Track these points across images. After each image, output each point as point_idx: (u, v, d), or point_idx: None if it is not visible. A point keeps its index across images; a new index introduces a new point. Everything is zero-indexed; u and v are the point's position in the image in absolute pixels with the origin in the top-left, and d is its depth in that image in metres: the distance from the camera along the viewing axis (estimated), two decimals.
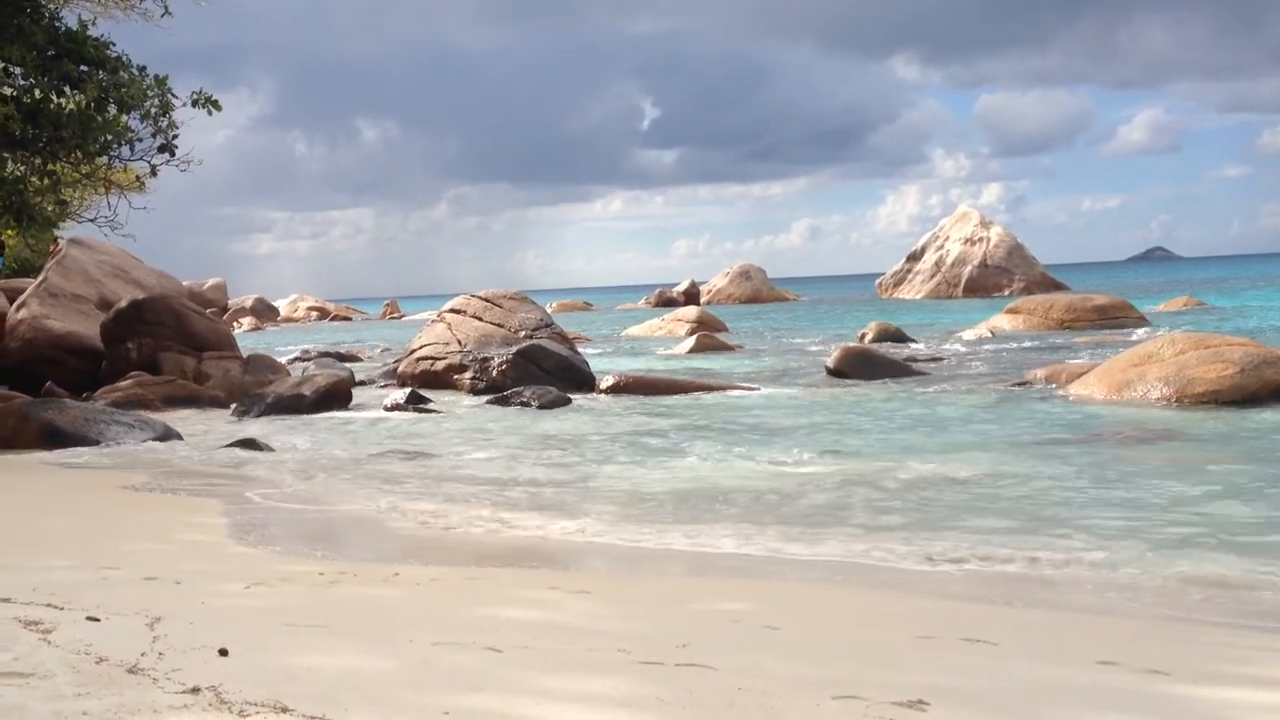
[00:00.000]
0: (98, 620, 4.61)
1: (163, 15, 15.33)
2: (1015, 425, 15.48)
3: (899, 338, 33.69)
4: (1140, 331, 32.46)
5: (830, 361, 24.43)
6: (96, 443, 14.46)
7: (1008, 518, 9.51)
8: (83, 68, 14.31)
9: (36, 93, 14.21)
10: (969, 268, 67.70)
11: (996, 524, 9.28)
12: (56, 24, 14.46)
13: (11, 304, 24.26)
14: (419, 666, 4.22)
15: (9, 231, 18.26)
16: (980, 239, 68.74)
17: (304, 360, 32.29)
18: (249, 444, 14.17)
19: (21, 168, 15.40)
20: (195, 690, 3.63)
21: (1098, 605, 6.82)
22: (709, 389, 22.08)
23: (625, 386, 22.02)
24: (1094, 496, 10.32)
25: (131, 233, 16.60)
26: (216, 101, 14.85)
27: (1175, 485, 10.70)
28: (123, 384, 20.71)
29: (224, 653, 4.12)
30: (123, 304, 23.00)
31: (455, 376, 22.96)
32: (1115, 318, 37.22)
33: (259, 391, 20.96)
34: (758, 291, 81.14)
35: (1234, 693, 4.58)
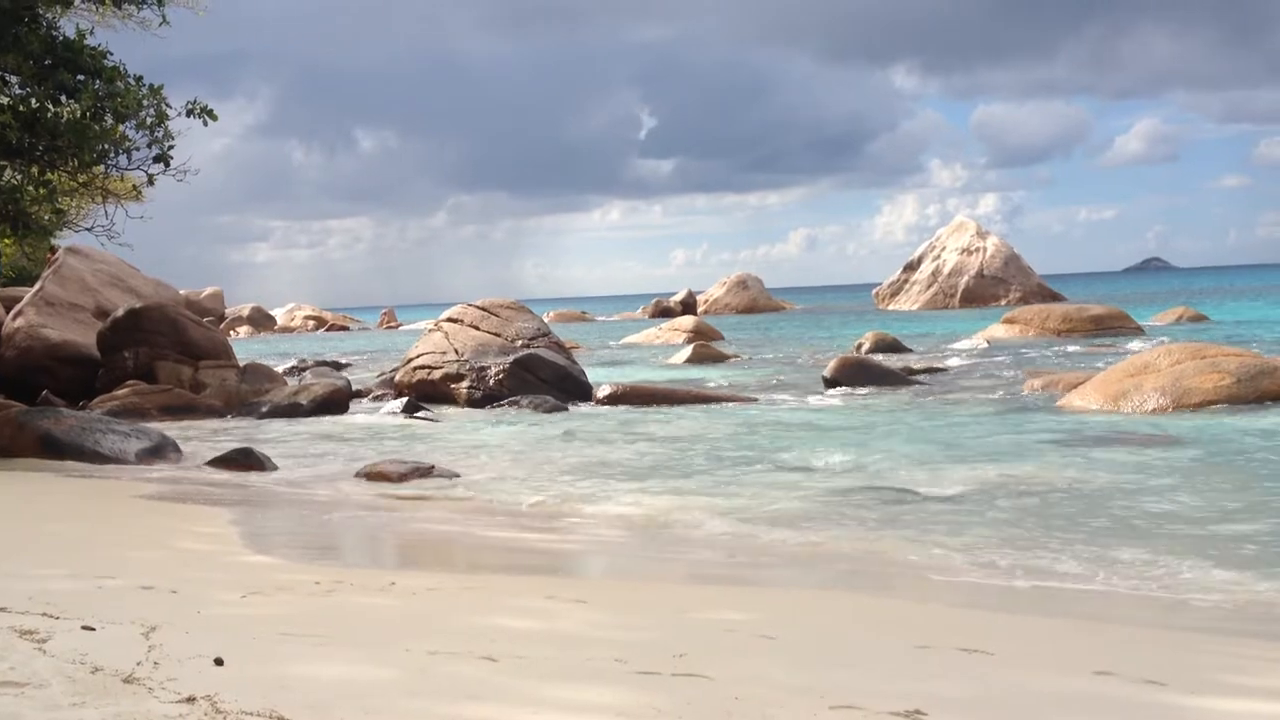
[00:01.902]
0: (93, 629, 4.60)
1: (160, 25, 15.34)
2: (1012, 435, 15.49)
3: (896, 348, 33.70)
4: (1137, 342, 32.49)
5: (827, 371, 24.44)
6: (94, 452, 14.44)
7: (1006, 526, 9.51)
8: (79, 77, 14.32)
9: (33, 101, 14.22)
10: (966, 278, 67.78)
11: (995, 532, 9.29)
12: (54, 33, 14.47)
13: (8, 312, 24.24)
14: (415, 676, 4.22)
15: (5, 240, 18.26)
16: (977, 249, 68.85)
17: (301, 369, 32.28)
18: (245, 453, 14.16)
19: (18, 176, 15.39)
20: (190, 700, 3.62)
21: (1096, 613, 6.82)
22: (706, 399, 22.08)
23: (622, 396, 22.02)
24: (1091, 504, 10.33)
25: (128, 241, 16.60)
26: (212, 111, 14.85)
27: (1172, 493, 10.70)
28: (119, 393, 20.68)
29: (219, 662, 4.11)
30: (119, 313, 22.98)
31: (452, 386, 22.95)
32: (1112, 328, 37.28)
33: (256, 400, 20.95)
34: (755, 301, 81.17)
35: (1231, 703, 4.57)
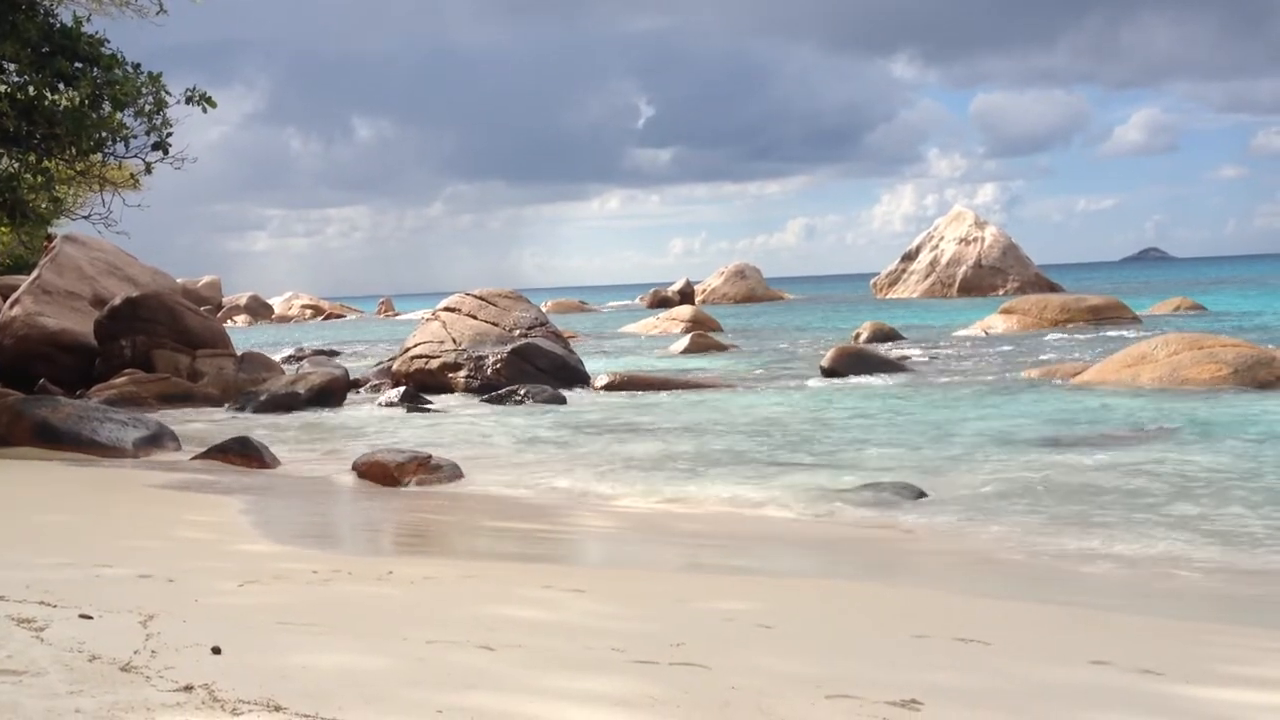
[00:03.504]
0: (90, 618, 4.60)
1: (158, 13, 15.29)
2: (1009, 424, 15.50)
3: (893, 337, 33.71)
4: (1134, 332, 32.50)
5: (825, 361, 24.46)
6: (91, 441, 14.43)
7: (1002, 513, 9.52)
8: (77, 65, 14.27)
9: (30, 89, 14.17)
10: (963, 268, 67.77)
11: (992, 518, 9.30)
12: (51, 20, 14.42)
13: (5, 301, 24.22)
14: (413, 665, 4.22)
15: (2, 228, 18.22)
16: (975, 239, 68.80)
17: (298, 358, 32.27)
18: (242, 442, 14.15)
19: (15, 164, 15.35)
20: (188, 688, 3.62)
21: (1095, 600, 6.84)
22: (703, 387, 22.10)
23: (620, 385, 22.03)
24: (1087, 492, 10.33)
25: (126, 230, 16.57)
26: (210, 98, 14.80)
27: (1169, 481, 10.71)
28: (117, 381, 20.67)
29: (217, 651, 4.11)
30: (117, 301, 22.96)
31: (450, 375, 22.94)
32: (1109, 318, 37.29)
33: (253, 389, 20.94)
34: (753, 291, 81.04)
35: (1227, 693, 4.58)
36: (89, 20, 14.64)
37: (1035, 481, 11.06)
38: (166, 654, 4.04)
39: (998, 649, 5.19)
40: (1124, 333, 32.70)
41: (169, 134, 14.79)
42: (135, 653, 4.04)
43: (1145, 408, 16.36)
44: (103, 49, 14.34)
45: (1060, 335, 33.74)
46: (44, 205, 16.61)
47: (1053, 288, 62.02)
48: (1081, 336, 32.67)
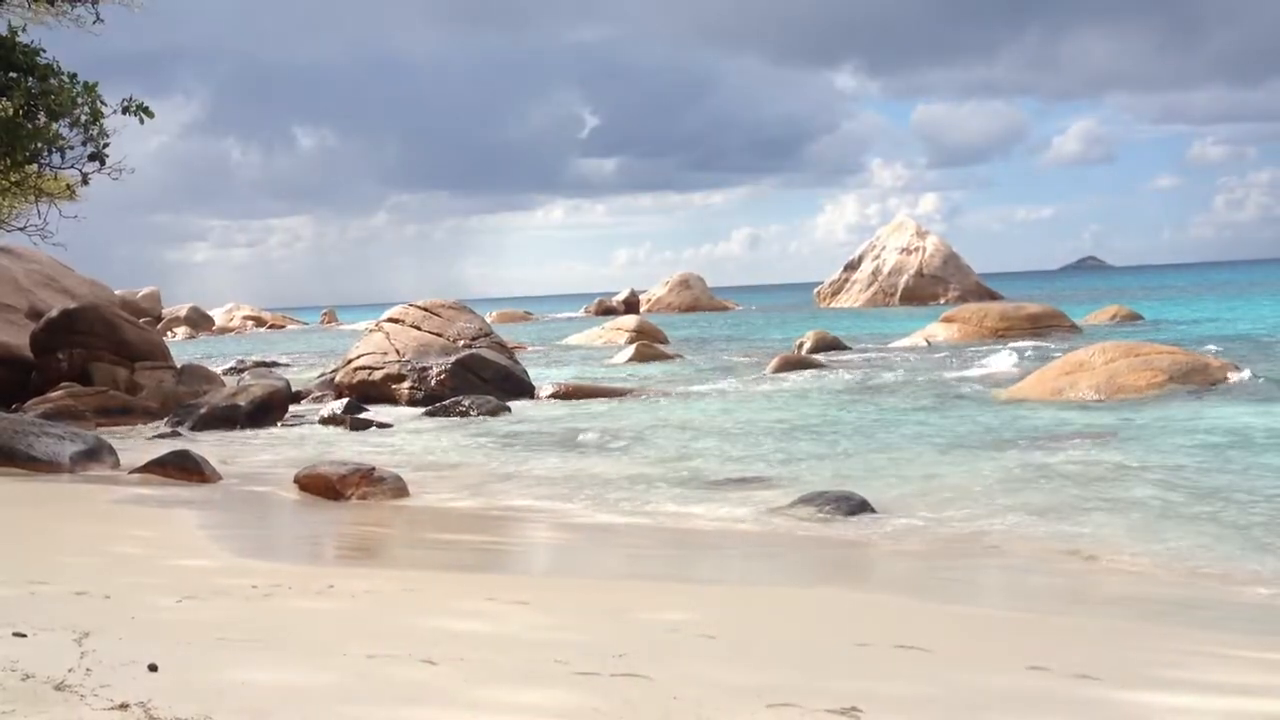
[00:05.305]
0: (24, 636, 4.53)
1: (95, 22, 15.09)
2: (951, 429, 15.63)
3: (836, 346, 33.94)
4: (1072, 340, 32.91)
5: (769, 370, 24.58)
6: (26, 455, 14.20)
7: (945, 518, 9.60)
8: (11, 74, 14.05)
9: None
10: (905, 277, 68.46)
11: (934, 523, 9.38)
12: None
13: None
14: (354, 680, 4.20)
15: None
16: (916, 248, 69.56)
17: (239, 370, 31.96)
18: (182, 456, 13.99)
19: None
20: (124, 706, 3.58)
21: (1033, 604, 6.91)
22: (648, 396, 22.12)
23: (564, 394, 22.02)
24: (1026, 496, 10.44)
25: (62, 241, 16.29)
26: (148, 108, 14.62)
27: (1105, 485, 10.85)
28: (53, 395, 20.34)
29: (154, 668, 4.07)
30: (53, 313, 22.63)
31: (394, 386, 22.82)
32: (1048, 326, 37.73)
33: (193, 402, 20.70)
34: (697, 300, 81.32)
35: (1163, 697, 4.65)
36: (24, 30, 14.43)
37: (976, 489, 11.17)
38: (102, 672, 3.99)
39: (938, 655, 5.24)
40: (1062, 341, 33.11)
41: (106, 145, 14.58)
42: (70, 671, 3.98)
43: (1083, 414, 16.58)
44: (38, 58, 14.13)
45: (1000, 343, 34.10)
46: None
47: (993, 296, 62.76)
48: (1021, 344, 33.04)
